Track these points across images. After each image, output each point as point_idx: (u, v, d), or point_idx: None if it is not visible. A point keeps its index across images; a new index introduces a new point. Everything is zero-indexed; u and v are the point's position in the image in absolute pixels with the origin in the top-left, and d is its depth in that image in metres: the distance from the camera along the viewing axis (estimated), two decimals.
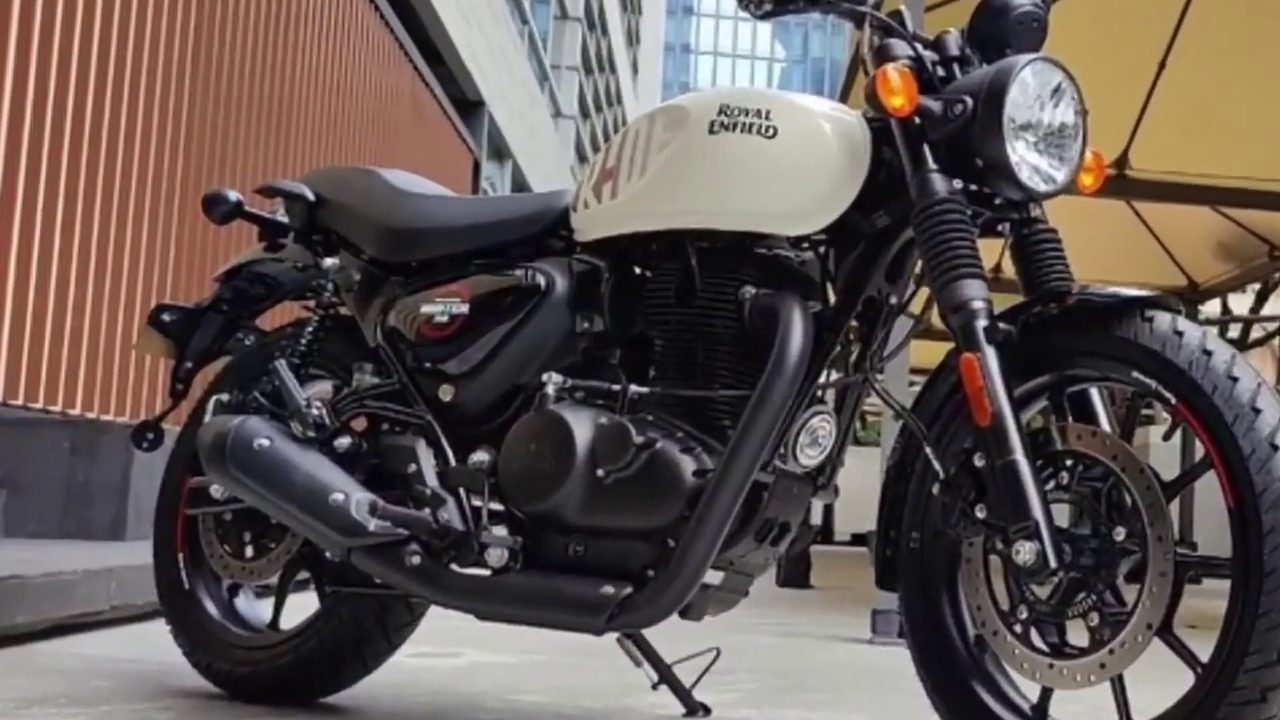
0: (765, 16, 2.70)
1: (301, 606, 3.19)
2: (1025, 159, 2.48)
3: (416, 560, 2.82)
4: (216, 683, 3.22)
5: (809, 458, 2.63)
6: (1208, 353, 2.27)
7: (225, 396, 3.27)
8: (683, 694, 3.14)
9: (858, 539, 15.84)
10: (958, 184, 2.50)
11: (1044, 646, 2.38)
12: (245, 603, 3.32)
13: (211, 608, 3.27)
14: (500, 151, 21.79)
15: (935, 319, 2.53)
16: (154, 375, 6.67)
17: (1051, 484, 2.37)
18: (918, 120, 2.51)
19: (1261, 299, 17.20)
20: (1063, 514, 2.35)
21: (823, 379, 2.66)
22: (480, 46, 17.93)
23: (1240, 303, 16.94)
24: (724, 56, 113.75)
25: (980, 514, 2.39)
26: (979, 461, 2.39)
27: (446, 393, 2.96)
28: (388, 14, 11.28)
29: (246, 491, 3.00)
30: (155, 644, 3.67)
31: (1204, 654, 2.23)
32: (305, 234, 3.22)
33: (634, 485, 2.59)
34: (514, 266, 2.94)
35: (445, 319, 2.97)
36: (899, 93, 2.47)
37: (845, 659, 4.91)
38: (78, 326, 6.09)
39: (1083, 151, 2.57)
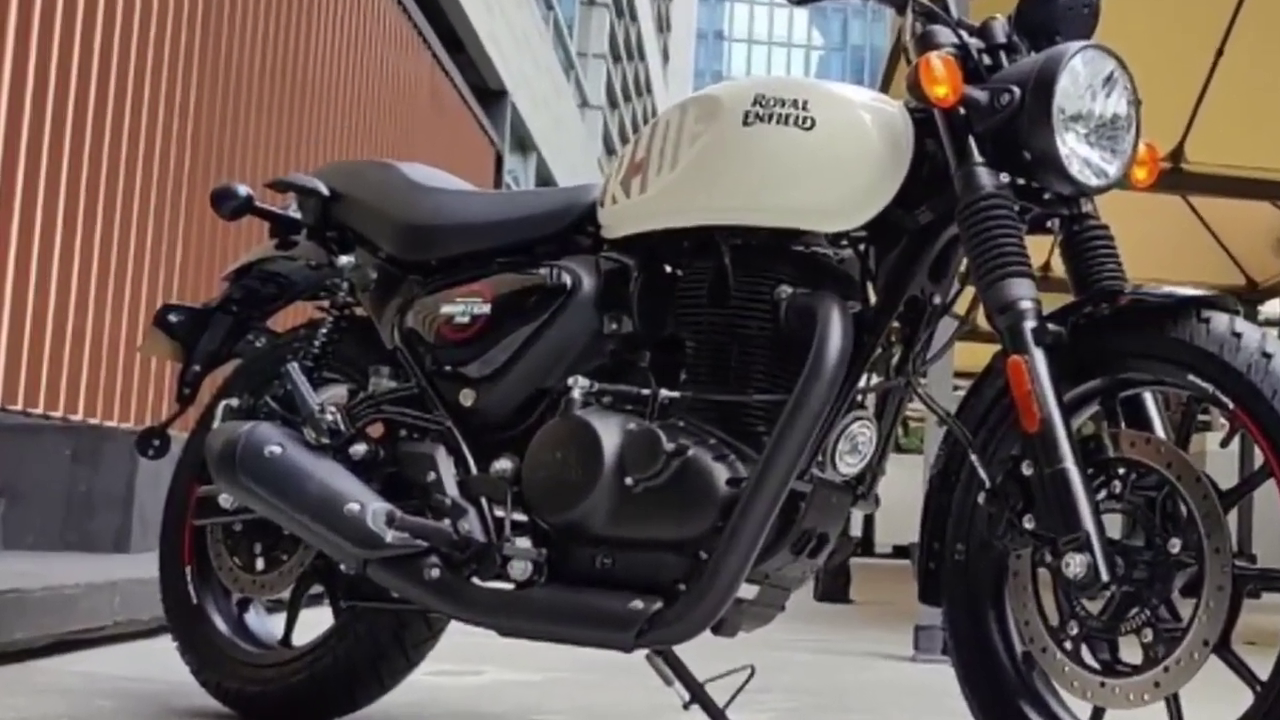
0: (802, 2, 2.71)
1: (315, 622, 3.20)
2: (1076, 151, 2.48)
3: (436, 573, 2.82)
4: (226, 702, 3.23)
5: (848, 466, 2.64)
6: (1267, 355, 2.27)
7: (235, 401, 3.29)
8: (715, 714, 3.14)
9: (899, 551, 15.79)
10: (1005, 178, 2.50)
11: (1095, 664, 2.38)
12: (256, 618, 3.33)
13: (220, 623, 3.29)
14: (524, 143, 21.86)
15: (981, 320, 2.53)
16: (160, 379, 6.68)
17: (1103, 493, 2.37)
18: (963, 111, 2.50)
19: None
20: (1115, 525, 2.35)
21: (863, 383, 2.66)
22: (502, 33, 17.98)
23: None
24: (759, 44, 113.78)
25: (1028, 525, 2.39)
26: (1027, 470, 2.39)
27: (467, 397, 2.97)
28: None
29: (257, 501, 3.01)
30: (161, 661, 3.67)
31: (1263, 672, 2.23)
32: (319, 231, 3.24)
33: (665, 495, 2.60)
34: (538, 265, 2.94)
35: (466, 320, 2.98)
36: (943, 82, 2.47)
37: (886, 677, 4.91)
38: (80, 328, 6.11)
39: (1136, 144, 2.57)
